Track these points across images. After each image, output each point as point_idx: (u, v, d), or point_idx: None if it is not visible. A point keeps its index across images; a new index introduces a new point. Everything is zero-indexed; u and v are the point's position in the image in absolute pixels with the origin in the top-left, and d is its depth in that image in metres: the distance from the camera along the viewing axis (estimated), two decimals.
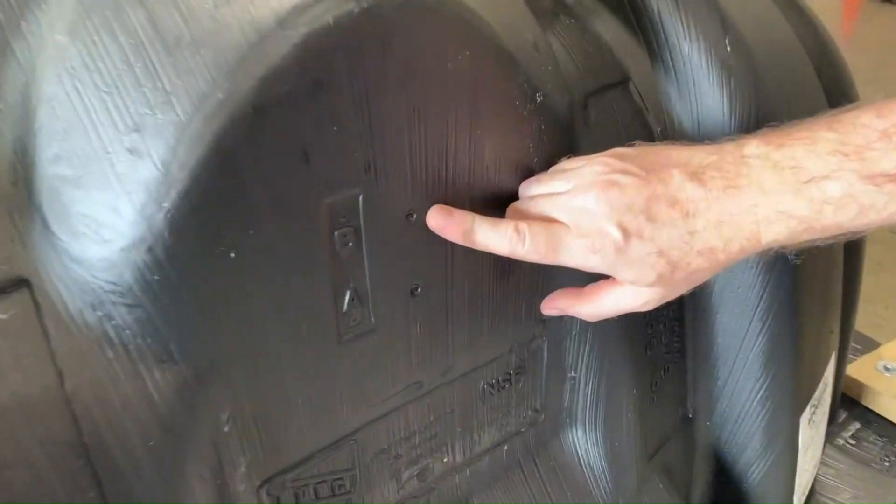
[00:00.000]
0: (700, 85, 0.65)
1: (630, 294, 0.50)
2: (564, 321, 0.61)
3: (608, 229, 0.47)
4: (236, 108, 0.39)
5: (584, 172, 0.49)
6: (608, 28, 0.65)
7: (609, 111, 0.63)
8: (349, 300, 0.47)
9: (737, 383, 0.74)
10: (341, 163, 0.43)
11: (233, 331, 0.43)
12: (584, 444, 0.67)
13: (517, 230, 0.48)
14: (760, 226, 0.47)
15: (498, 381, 0.61)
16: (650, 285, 0.49)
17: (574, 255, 0.48)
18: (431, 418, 0.57)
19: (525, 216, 0.50)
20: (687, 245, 0.47)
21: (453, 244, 0.50)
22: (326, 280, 0.46)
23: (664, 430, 0.73)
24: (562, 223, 0.49)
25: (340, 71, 0.41)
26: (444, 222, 0.48)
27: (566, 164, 0.53)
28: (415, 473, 0.58)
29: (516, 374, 0.61)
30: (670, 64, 0.65)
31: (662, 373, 0.70)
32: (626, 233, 0.47)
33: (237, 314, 0.43)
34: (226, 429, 0.45)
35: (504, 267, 0.54)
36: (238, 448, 0.47)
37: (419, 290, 0.51)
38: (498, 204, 0.52)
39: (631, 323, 0.64)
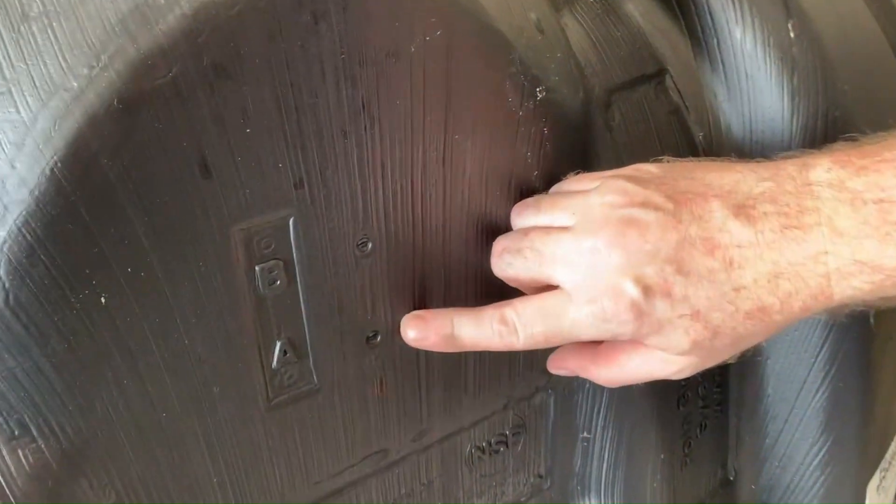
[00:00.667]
0: (755, 80, 0.52)
1: (658, 360, 0.38)
2: None
3: (622, 287, 0.35)
4: (98, 102, 0.28)
5: (593, 203, 0.37)
6: (641, 9, 0.53)
7: (639, 111, 0.51)
8: (280, 354, 0.36)
9: (790, 442, 0.61)
10: (260, 177, 0.32)
11: (113, 396, 0.32)
12: None
13: (503, 321, 0.38)
14: (832, 279, 0.35)
15: (490, 445, 0.49)
16: (683, 354, 0.37)
17: (584, 330, 0.37)
18: (402, 491, 0.46)
19: (513, 268, 0.39)
20: (731, 305, 0.35)
21: (422, 278, 0.39)
22: (247, 330, 0.35)
23: (699, 496, 0.60)
24: (558, 291, 0.37)
25: (253, 52, 0.30)
26: (422, 332, 0.39)
27: (572, 183, 0.41)
28: None
29: (514, 434, 0.50)
30: (718, 54, 0.53)
31: (698, 431, 0.57)
32: (647, 291, 0.35)
33: (117, 375, 0.32)
34: None
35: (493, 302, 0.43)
36: None
37: (378, 337, 0.39)
38: (485, 232, 0.40)
39: None
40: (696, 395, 0.56)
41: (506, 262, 0.39)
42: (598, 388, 0.50)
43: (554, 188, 0.41)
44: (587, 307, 0.36)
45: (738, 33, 0.52)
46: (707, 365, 0.39)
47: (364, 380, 0.40)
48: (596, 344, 0.42)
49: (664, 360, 0.38)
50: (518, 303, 0.38)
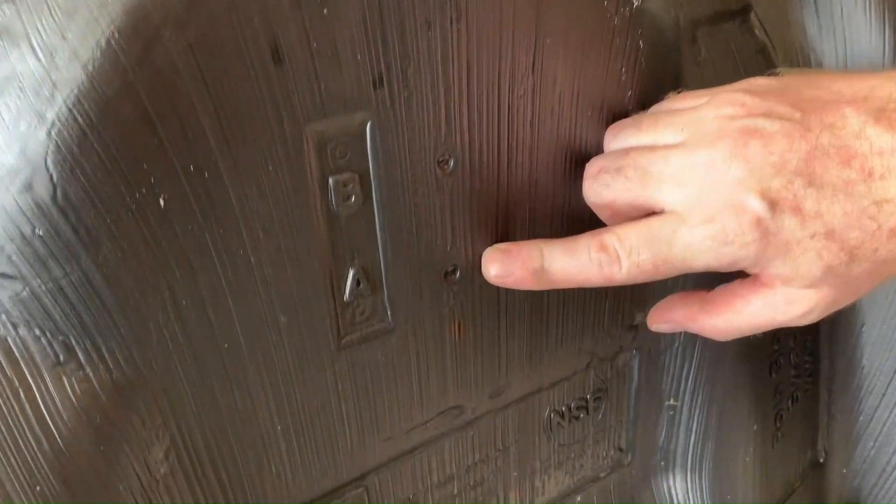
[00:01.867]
0: (851, 17, 0.48)
1: (783, 300, 0.34)
2: None
3: (745, 202, 0.31)
4: None
5: (706, 116, 0.33)
6: None
7: (725, 48, 0.46)
8: (353, 283, 0.32)
9: (887, 420, 0.55)
10: (336, 69, 0.28)
11: (169, 319, 0.28)
12: (684, 495, 0.50)
13: (603, 248, 0.33)
14: None
15: (570, 410, 0.44)
16: (814, 285, 0.32)
17: (699, 256, 0.32)
18: (476, 458, 0.42)
19: (610, 190, 0.34)
20: (872, 222, 0.30)
21: (506, 207, 0.35)
22: (318, 252, 0.31)
23: (788, 480, 0.55)
24: (668, 213, 0.33)
25: None
26: (506, 267, 0.34)
27: (676, 101, 0.36)
28: None
29: (595, 399, 0.45)
30: None
31: (790, 403, 0.52)
32: (774, 206, 0.31)
33: (175, 294, 0.28)
34: (162, 471, 0.31)
35: None
36: (186, 495, 0.32)
37: (457, 273, 0.35)
38: (575, 155, 0.36)
39: (753, 335, 0.47)
40: (788, 362, 0.51)
41: (602, 183, 0.34)
42: (687, 349, 0.46)
43: (654, 108, 0.37)
44: (703, 227, 0.31)
45: None
46: (840, 303, 0.34)
47: (441, 322, 0.36)
48: (704, 291, 0.37)
49: (790, 298, 0.33)
50: (619, 228, 0.33)
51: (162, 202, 0.27)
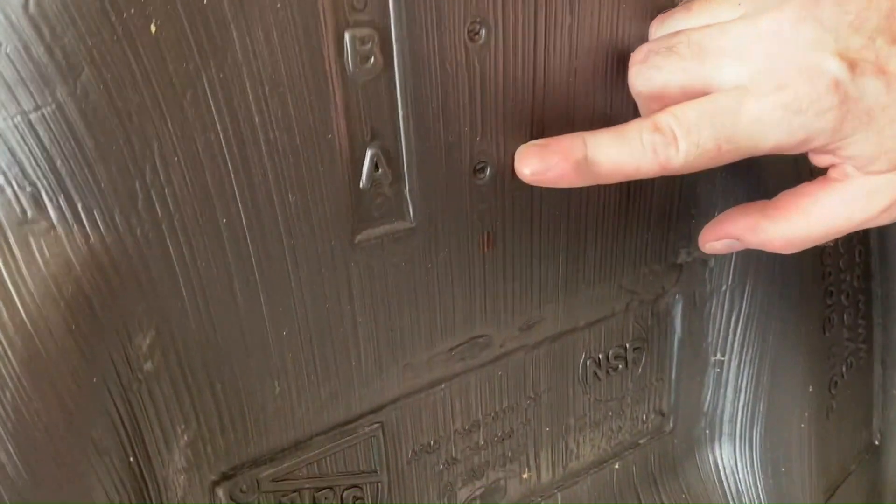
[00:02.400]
0: None
1: (861, 192, 0.29)
2: (709, 270, 0.41)
3: (823, 64, 0.27)
4: None
5: None
6: None
7: None
8: (371, 167, 0.28)
9: None
10: None
11: (158, 179, 0.24)
12: (732, 467, 0.45)
13: (658, 129, 0.29)
14: None
15: (608, 359, 0.40)
16: None
17: (768, 131, 0.28)
18: (505, 405, 0.37)
19: (661, 73, 0.30)
20: None
21: (542, 99, 0.31)
22: (331, 119, 0.27)
23: (844, 461, 0.50)
24: (729, 88, 0.28)
25: None
26: (544, 160, 0.30)
27: None
28: (477, 493, 0.38)
29: (635, 349, 0.41)
30: None
31: (844, 369, 0.47)
32: (854, 68, 0.27)
33: (164, 147, 0.24)
34: (146, 368, 0.26)
35: None
36: (173, 405, 0.27)
37: (486, 170, 0.31)
38: (615, 48, 0.32)
39: (805, 284, 0.42)
40: (841, 322, 0.46)
41: (652, 65, 0.30)
42: (735, 294, 0.41)
43: None
44: (773, 96, 0.27)
45: None
46: None
47: (468, 230, 0.31)
48: (765, 201, 0.33)
49: (869, 189, 0.29)
50: (674, 107, 0.29)
51: (153, 28, 0.23)
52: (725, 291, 0.41)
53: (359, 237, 0.29)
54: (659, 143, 0.29)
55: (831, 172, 0.30)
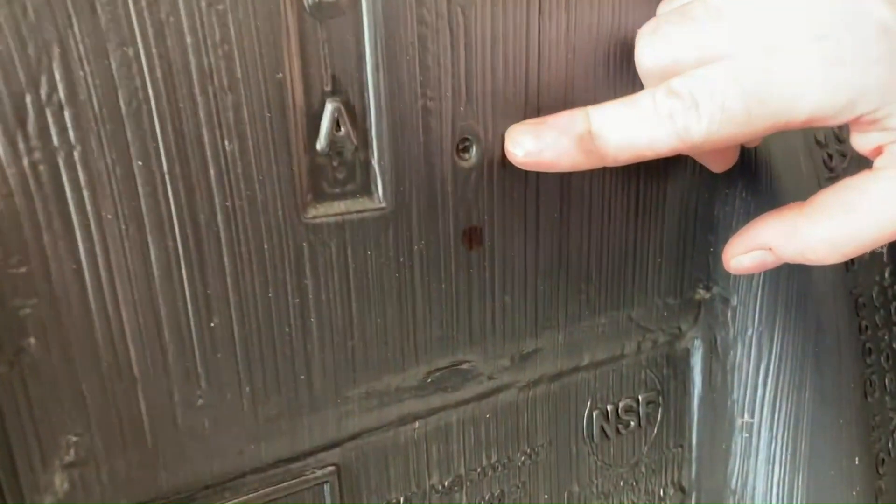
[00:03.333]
0: None
1: None
2: (731, 310, 0.35)
3: (866, 5, 0.23)
4: None
5: None
6: None
7: None
8: (331, 125, 0.23)
9: None
10: None
11: (55, 101, 0.19)
12: None
13: (674, 93, 0.24)
14: None
15: (617, 412, 0.33)
16: None
17: (806, 89, 0.23)
18: (494, 459, 0.30)
19: (673, 43, 0.26)
20: None
21: (527, 67, 0.27)
22: (282, 56, 0.22)
23: None
24: (760, 49, 0.24)
25: None
26: (539, 139, 0.25)
27: None
28: None
29: (648, 403, 0.34)
30: None
31: (890, 445, 0.40)
32: None
33: (66, 60, 0.19)
34: (25, 343, 0.20)
35: None
36: (53, 403, 0.21)
37: (472, 149, 0.26)
38: (620, 22, 0.29)
39: (841, 333, 0.36)
40: (882, 387, 0.40)
41: (663, 35, 0.26)
42: (764, 338, 0.35)
43: None
44: (811, 47, 0.23)
45: None
46: None
47: (450, 221, 0.26)
48: (800, 202, 0.28)
49: None
50: (692, 70, 0.25)
51: None
52: (752, 337, 0.35)
53: (313, 212, 0.23)
54: (677, 108, 0.24)
55: (879, 161, 0.25)
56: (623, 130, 0.25)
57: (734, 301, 0.35)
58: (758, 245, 0.28)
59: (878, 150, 0.25)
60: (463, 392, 0.28)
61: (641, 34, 0.27)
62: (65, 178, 0.20)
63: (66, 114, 0.19)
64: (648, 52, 0.27)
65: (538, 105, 0.27)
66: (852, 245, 0.26)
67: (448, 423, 0.28)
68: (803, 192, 0.32)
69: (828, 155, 0.35)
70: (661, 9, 0.29)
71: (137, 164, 0.20)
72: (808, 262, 0.27)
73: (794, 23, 0.24)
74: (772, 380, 0.35)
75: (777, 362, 0.35)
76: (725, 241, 0.33)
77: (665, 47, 0.26)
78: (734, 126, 0.24)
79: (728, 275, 0.34)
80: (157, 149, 0.21)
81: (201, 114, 0.21)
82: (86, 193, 0.20)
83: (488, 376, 0.29)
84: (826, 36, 0.23)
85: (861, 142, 0.26)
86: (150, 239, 0.21)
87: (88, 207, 0.20)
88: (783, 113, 0.24)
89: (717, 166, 0.32)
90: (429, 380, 0.27)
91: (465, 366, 0.28)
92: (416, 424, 0.28)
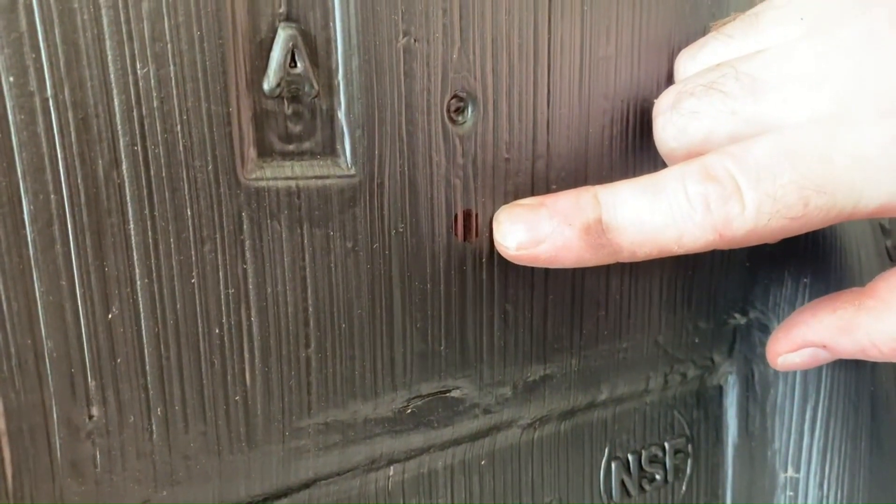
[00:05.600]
0: None
1: None
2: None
3: None
4: None
5: None
6: None
7: None
8: (284, 58, 0.18)
9: None
10: None
11: None
12: None
13: (710, 175, 0.19)
14: None
15: (640, 464, 0.27)
16: None
17: (876, 175, 0.19)
18: None
19: (700, 119, 0.21)
20: None
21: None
22: None
23: None
24: (810, 122, 0.19)
25: None
26: (531, 231, 0.20)
27: (777, 0, 0.23)
28: None
29: (676, 454, 0.28)
30: None
31: None
32: None
33: None
34: None
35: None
36: None
37: (468, 112, 0.21)
38: (635, 104, 0.24)
39: None
40: None
41: (685, 112, 0.21)
42: (809, 379, 0.29)
43: (738, 17, 0.24)
44: (880, 124, 0.18)
45: None
46: None
47: (438, 197, 0.20)
48: (855, 289, 0.23)
49: None
50: (733, 146, 0.20)
51: None
52: (795, 373, 0.29)
53: (257, 172, 0.18)
54: (713, 195, 0.19)
55: None
56: (643, 221, 0.19)
57: (774, 328, 0.29)
58: (809, 343, 0.24)
59: None
60: (452, 429, 0.22)
61: (659, 110, 0.22)
62: None
63: None
64: (670, 132, 0.22)
65: (549, 67, 0.21)
66: None
67: (432, 470, 0.22)
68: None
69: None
70: (679, 65, 0.24)
71: (7, 79, 0.15)
72: (869, 359, 0.22)
73: (855, 93, 0.19)
74: (821, 426, 0.29)
75: (826, 404, 0.29)
76: (763, 259, 0.28)
77: (690, 126, 0.21)
78: (786, 221, 0.19)
79: (767, 296, 0.29)
80: (37, 62, 0.15)
81: (104, 20, 0.15)
82: None
83: (484, 409, 0.22)
84: (893, 112, 0.18)
85: None
86: (22, 188, 0.15)
87: None
88: (848, 204, 0.19)
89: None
90: (408, 410, 0.21)
91: (454, 393, 0.22)
92: (391, 470, 0.21)
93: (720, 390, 0.29)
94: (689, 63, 0.24)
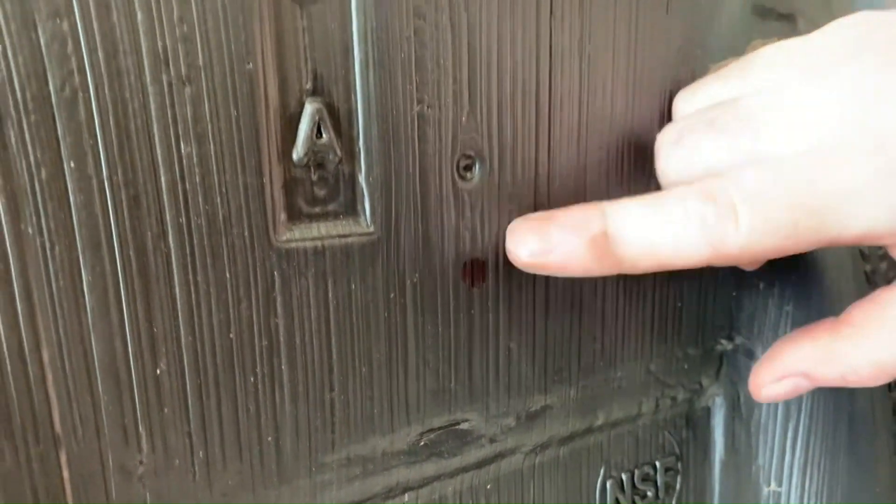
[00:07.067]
0: None
1: None
2: (756, 360, 0.31)
3: None
4: None
5: (827, 41, 0.22)
6: None
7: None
8: (311, 130, 0.19)
9: None
10: None
11: None
12: None
13: (708, 196, 0.21)
14: None
15: (633, 482, 0.29)
16: None
17: (861, 205, 0.20)
18: None
19: (702, 153, 0.23)
20: None
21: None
22: (251, 40, 0.18)
23: None
24: (806, 153, 0.21)
25: None
26: (546, 238, 0.22)
27: (773, 45, 0.25)
28: None
29: (667, 472, 0.30)
30: None
31: None
32: None
33: None
34: None
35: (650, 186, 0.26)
36: None
37: (475, 167, 0.22)
38: (632, 144, 0.26)
39: (873, 390, 0.33)
40: None
41: (688, 147, 0.23)
42: (790, 399, 0.31)
43: (734, 61, 0.26)
44: (867, 160, 0.20)
45: None
46: None
47: (449, 248, 0.22)
48: (831, 319, 0.25)
49: None
50: (730, 173, 0.21)
51: None
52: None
53: (287, 235, 0.19)
54: (710, 214, 0.21)
55: None
56: (646, 234, 0.21)
57: (759, 353, 0.31)
58: (790, 373, 0.25)
59: None
60: (461, 458, 0.24)
61: (662, 143, 0.24)
62: None
63: None
64: (673, 165, 0.24)
65: (549, 123, 0.23)
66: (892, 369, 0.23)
67: (443, 496, 0.24)
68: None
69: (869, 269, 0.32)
70: (677, 105, 0.26)
71: (69, 165, 0.16)
72: (849, 385, 0.24)
73: (847, 127, 0.21)
74: (801, 443, 0.31)
75: (807, 423, 0.31)
76: (750, 283, 0.30)
77: (692, 160, 0.23)
78: (776, 239, 0.21)
79: (752, 323, 0.31)
80: (95, 148, 0.16)
81: (152, 108, 0.17)
82: (0, 200, 0.16)
83: (490, 438, 0.24)
84: (882, 147, 0.20)
85: None
86: (82, 261, 0.17)
87: (2, 218, 0.16)
88: (833, 228, 0.21)
89: (748, 266, 0.29)
90: (422, 442, 0.23)
91: (463, 425, 0.23)
92: (406, 497, 0.23)
93: (708, 411, 0.31)
94: (688, 102, 0.25)
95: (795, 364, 0.25)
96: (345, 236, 0.20)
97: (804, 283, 0.30)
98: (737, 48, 0.29)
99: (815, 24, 0.42)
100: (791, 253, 0.21)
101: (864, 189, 0.20)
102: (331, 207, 0.20)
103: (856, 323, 0.24)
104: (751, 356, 0.31)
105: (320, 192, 0.20)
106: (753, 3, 0.37)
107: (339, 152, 0.20)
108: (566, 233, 0.21)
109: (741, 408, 0.31)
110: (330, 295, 0.20)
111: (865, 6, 0.44)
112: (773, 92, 0.22)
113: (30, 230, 0.16)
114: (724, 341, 0.30)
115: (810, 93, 0.21)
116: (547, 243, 0.22)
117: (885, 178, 0.20)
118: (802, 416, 0.31)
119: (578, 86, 0.24)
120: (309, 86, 0.19)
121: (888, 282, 0.25)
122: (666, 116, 0.26)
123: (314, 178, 0.20)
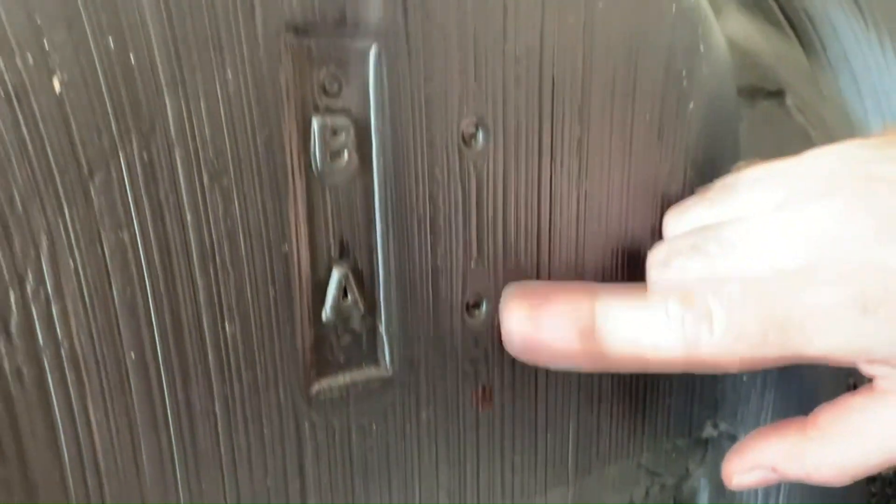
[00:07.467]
0: (891, 98, 0.43)
1: None
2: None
3: (888, 258, 0.22)
4: None
5: (808, 172, 0.25)
6: (745, 27, 0.45)
7: (764, 124, 0.41)
8: (338, 293, 0.22)
9: None
10: None
11: (42, 295, 0.17)
12: None
13: (688, 299, 0.23)
14: None
15: None
16: None
17: (827, 328, 0.23)
18: None
19: (688, 275, 0.25)
20: None
21: (538, 216, 0.26)
22: (288, 228, 0.21)
23: None
24: (780, 274, 0.23)
25: None
26: (535, 321, 0.24)
27: (752, 169, 0.27)
28: None
29: None
30: (848, 73, 0.44)
31: None
32: None
33: (54, 251, 0.18)
34: None
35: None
36: None
37: (482, 307, 0.25)
38: (625, 250, 0.28)
39: None
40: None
41: (676, 268, 0.25)
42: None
43: (718, 182, 0.29)
44: (837, 287, 0.22)
45: (863, 43, 0.44)
46: None
47: (459, 380, 0.25)
48: (800, 417, 0.27)
49: None
50: (710, 284, 0.24)
51: (58, 84, 0.17)
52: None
53: (317, 387, 0.22)
54: (689, 316, 0.23)
55: (881, 383, 0.25)
56: (630, 333, 0.24)
57: (741, 438, 0.33)
58: (759, 465, 0.27)
59: (880, 375, 0.25)
60: None
61: (653, 262, 0.26)
62: (50, 380, 0.18)
63: (54, 309, 0.17)
64: (663, 283, 0.26)
65: (549, 263, 0.26)
66: (861, 469, 0.25)
67: None
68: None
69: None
70: (667, 222, 0.28)
71: (130, 356, 0.19)
72: (812, 483, 0.26)
73: (819, 257, 0.23)
74: None
75: (786, 501, 0.34)
76: (731, 377, 0.32)
77: (679, 279, 0.25)
78: (746, 346, 0.23)
79: (734, 411, 0.33)
80: (151, 338, 0.19)
81: (201, 297, 0.19)
82: (73, 394, 0.18)
83: None
84: (851, 279, 0.22)
85: (864, 367, 0.25)
86: (141, 439, 0.19)
87: (75, 409, 0.18)
88: (796, 346, 0.23)
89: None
90: None
91: None
92: None
93: (694, 491, 0.33)
94: (677, 222, 0.28)
95: (765, 458, 0.27)
96: (366, 382, 0.23)
97: (784, 373, 0.33)
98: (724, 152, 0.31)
99: (801, 99, 0.45)
100: (762, 367, 0.24)
101: (829, 314, 0.22)
102: (354, 356, 0.22)
103: (821, 426, 0.26)
104: (734, 441, 0.33)
105: (345, 344, 0.22)
106: (740, 85, 0.40)
107: (362, 309, 0.22)
108: (554, 319, 0.24)
109: (725, 489, 0.34)
110: (353, 437, 0.23)
111: (848, 79, 0.47)
112: (755, 221, 0.24)
113: (98, 418, 0.18)
114: (710, 428, 0.33)
115: (791, 222, 0.24)
116: (534, 325, 0.24)
117: (849, 309, 0.22)
118: (782, 493, 0.34)
119: (576, 222, 0.26)
120: (336, 254, 0.22)
121: (864, 380, 0.27)
122: (657, 231, 0.29)
123: (339, 332, 0.22)
